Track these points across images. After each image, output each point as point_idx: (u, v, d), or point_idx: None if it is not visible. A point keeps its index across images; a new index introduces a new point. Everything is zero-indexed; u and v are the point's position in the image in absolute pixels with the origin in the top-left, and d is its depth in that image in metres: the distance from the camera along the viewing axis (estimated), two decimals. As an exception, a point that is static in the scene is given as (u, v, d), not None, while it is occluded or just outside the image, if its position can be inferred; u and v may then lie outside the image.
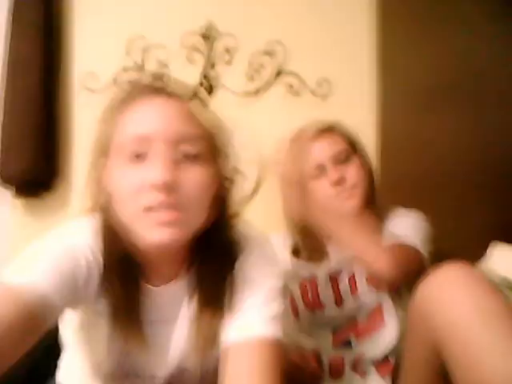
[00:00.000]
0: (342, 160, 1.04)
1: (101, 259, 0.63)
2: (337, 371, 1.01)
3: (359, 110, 1.53)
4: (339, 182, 1.02)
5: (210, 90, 1.54)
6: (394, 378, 0.96)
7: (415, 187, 1.31)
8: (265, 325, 0.64)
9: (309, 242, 1.08)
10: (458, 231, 1.20)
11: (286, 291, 0.78)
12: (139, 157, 0.59)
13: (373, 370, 1.01)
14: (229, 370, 0.62)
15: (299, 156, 1.05)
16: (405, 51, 1.45)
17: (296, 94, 1.54)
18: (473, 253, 1.03)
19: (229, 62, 1.54)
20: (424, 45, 1.37)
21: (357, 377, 1.00)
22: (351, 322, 1.05)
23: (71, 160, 1.49)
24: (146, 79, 0.74)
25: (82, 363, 0.76)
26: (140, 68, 1.51)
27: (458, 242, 1.07)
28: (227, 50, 1.54)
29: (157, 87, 0.65)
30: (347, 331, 1.05)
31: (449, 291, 0.68)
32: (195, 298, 0.67)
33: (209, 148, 0.64)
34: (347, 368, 1.01)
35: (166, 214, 0.57)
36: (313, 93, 1.55)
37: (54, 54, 1.44)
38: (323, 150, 1.04)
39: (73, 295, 0.61)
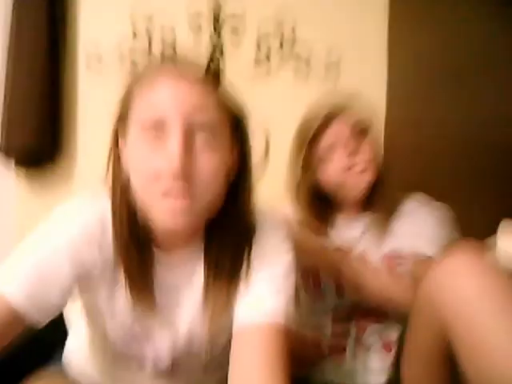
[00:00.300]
0: (356, 135, 1.02)
1: (111, 232, 0.66)
2: (338, 349, 1.02)
3: (368, 87, 1.49)
4: (355, 152, 1.00)
5: (218, 65, 1.50)
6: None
7: (423, 166, 1.29)
8: (277, 301, 0.65)
9: (313, 221, 1.07)
10: (467, 212, 1.19)
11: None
12: (157, 137, 0.59)
13: (377, 343, 1.01)
14: (238, 356, 0.63)
15: (309, 139, 1.03)
16: (415, 28, 1.41)
17: (305, 74, 1.51)
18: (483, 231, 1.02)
19: (236, 43, 1.50)
20: (434, 22, 1.33)
21: (360, 351, 1.00)
22: (352, 312, 1.04)
23: (75, 133, 1.48)
24: (158, 60, 0.71)
25: (87, 344, 0.77)
26: (146, 48, 1.48)
27: (467, 225, 1.06)
28: (234, 31, 1.50)
29: (182, 68, 0.63)
30: (347, 310, 1.04)
31: (457, 276, 0.69)
32: (208, 266, 0.68)
33: (227, 136, 0.65)
34: (350, 354, 1.01)
35: (181, 202, 0.58)
36: (322, 71, 1.52)
37: (59, 27, 1.42)
38: (337, 131, 1.02)
39: (85, 279, 0.65)
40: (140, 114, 0.61)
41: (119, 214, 0.65)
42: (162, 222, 0.61)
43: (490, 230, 1.05)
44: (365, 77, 1.51)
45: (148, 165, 0.59)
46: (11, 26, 1.36)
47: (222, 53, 1.50)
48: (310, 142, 1.03)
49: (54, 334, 0.86)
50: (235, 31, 1.50)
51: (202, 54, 1.48)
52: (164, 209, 0.59)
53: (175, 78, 0.61)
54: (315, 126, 1.02)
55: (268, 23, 1.51)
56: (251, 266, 0.67)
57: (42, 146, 1.39)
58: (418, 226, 0.99)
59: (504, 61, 1.20)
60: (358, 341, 1.02)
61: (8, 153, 1.39)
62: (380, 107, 1.43)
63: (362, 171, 1.00)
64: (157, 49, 1.49)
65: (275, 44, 1.52)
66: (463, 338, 0.67)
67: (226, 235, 0.68)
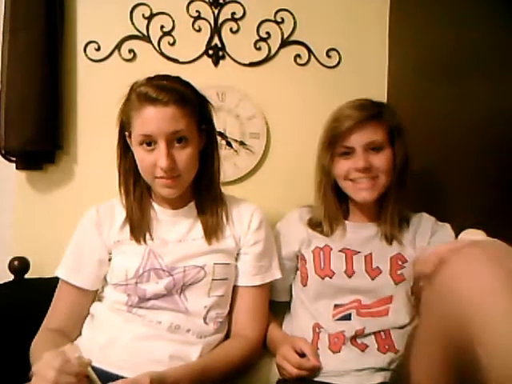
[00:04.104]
0: (374, 148, 1.07)
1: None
2: (336, 345, 1.04)
3: (368, 83, 1.52)
4: (363, 170, 1.06)
5: (217, 59, 1.51)
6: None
7: (424, 162, 1.29)
8: (267, 263, 1.12)
9: (330, 216, 1.14)
10: (468, 209, 1.18)
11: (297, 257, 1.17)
12: (150, 145, 0.98)
13: (373, 342, 1.03)
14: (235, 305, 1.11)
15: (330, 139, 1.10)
16: (416, 28, 1.41)
17: (304, 64, 1.53)
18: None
19: (236, 31, 1.51)
20: (435, 22, 1.32)
21: (355, 351, 1.02)
22: (355, 300, 1.07)
23: (75, 133, 1.47)
24: (151, 83, 0.97)
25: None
26: (144, 36, 1.48)
27: (468, 221, 1.06)
28: (234, 19, 1.50)
29: (158, 98, 0.94)
30: (349, 306, 1.07)
31: (476, 267, 0.63)
32: (199, 219, 1.09)
33: (194, 131, 1.01)
34: (348, 341, 1.03)
35: (169, 182, 0.99)
36: (321, 63, 1.54)
37: (57, 22, 1.39)
38: (359, 136, 1.06)
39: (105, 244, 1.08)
40: (137, 131, 0.99)
41: (130, 185, 1.08)
42: (160, 193, 1.04)
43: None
44: (365, 76, 1.53)
45: (146, 161, 0.99)
46: (7, 25, 1.34)
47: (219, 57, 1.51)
48: (331, 142, 1.09)
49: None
50: (234, 18, 1.50)
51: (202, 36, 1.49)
52: (160, 185, 1.01)
53: (156, 105, 0.95)
54: (341, 128, 1.06)
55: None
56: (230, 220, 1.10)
57: (42, 147, 1.37)
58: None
59: (505, 59, 1.18)
60: (358, 329, 1.03)
61: (8, 154, 1.38)
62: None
63: (364, 189, 1.07)
64: (156, 45, 1.48)
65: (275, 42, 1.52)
66: (484, 333, 0.58)
67: (207, 198, 1.09)
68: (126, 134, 1.03)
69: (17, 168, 1.42)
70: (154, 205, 1.10)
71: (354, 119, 1.05)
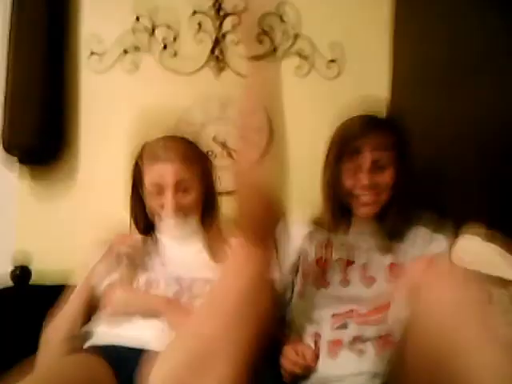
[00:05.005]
0: (378, 166, 1.08)
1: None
2: (334, 350, 1.04)
3: (371, 83, 1.51)
4: (366, 188, 1.07)
5: (221, 56, 1.52)
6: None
7: (426, 160, 1.28)
8: None
9: (329, 221, 1.15)
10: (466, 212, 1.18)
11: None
12: (158, 192, 1.12)
13: (370, 348, 1.02)
14: None
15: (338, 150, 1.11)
16: (420, 23, 1.40)
17: (307, 63, 1.53)
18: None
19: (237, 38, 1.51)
20: (440, 17, 1.33)
21: (352, 356, 1.02)
22: (351, 309, 1.07)
23: (77, 130, 1.48)
24: (162, 146, 1.14)
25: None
26: (148, 31, 1.50)
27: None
28: (238, 15, 1.51)
29: (166, 154, 1.12)
30: (345, 315, 1.07)
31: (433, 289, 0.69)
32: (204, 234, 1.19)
33: (197, 180, 1.15)
34: (345, 347, 1.03)
35: (176, 221, 1.13)
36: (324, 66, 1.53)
37: (60, 17, 1.44)
38: (364, 149, 1.07)
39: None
40: (147, 179, 1.13)
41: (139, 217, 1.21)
42: (164, 230, 1.17)
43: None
44: (368, 72, 1.52)
45: (155, 204, 1.14)
46: (11, 21, 1.36)
47: (222, 50, 1.52)
48: (339, 148, 1.11)
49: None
50: (236, 26, 1.51)
51: (203, 48, 1.51)
52: (167, 222, 1.15)
53: (164, 159, 1.11)
54: (349, 133, 1.09)
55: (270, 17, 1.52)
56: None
57: (45, 144, 1.39)
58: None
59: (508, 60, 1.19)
60: (356, 336, 1.03)
61: (11, 151, 1.39)
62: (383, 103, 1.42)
63: (365, 205, 1.09)
64: (159, 43, 1.51)
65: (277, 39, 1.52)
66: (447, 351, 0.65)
67: (209, 215, 1.20)
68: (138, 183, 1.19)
69: (20, 163, 1.44)
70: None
71: (362, 124, 1.08)
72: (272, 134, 1.48)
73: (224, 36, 1.52)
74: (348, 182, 1.10)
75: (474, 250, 1.02)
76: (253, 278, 0.77)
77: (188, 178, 1.13)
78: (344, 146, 1.09)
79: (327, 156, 1.15)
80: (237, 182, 0.85)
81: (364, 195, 1.08)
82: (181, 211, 1.12)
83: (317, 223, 1.18)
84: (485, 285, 0.93)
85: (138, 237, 1.19)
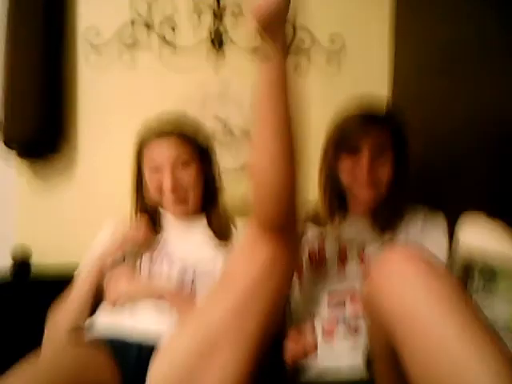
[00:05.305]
0: (376, 164, 1.08)
1: None
2: (329, 331, 1.04)
3: (371, 75, 1.52)
4: (365, 185, 1.08)
5: (220, 44, 1.51)
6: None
7: (427, 154, 1.29)
8: None
9: (326, 211, 1.15)
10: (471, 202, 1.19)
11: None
12: (157, 170, 1.12)
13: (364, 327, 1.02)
14: None
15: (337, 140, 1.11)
16: (420, 12, 1.41)
17: (306, 61, 1.52)
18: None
19: (238, 15, 1.50)
20: (441, 9, 1.33)
21: (347, 335, 1.02)
22: (349, 289, 1.08)
23: (76, 122, 1.48)
24: (160, 122, 1.15)
25: None
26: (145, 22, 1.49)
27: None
28: (236, 3, 1.50)
29: (164, 131, 1.13)
30: (343, 294, 1.08)
31: (395, 279, 0.67)
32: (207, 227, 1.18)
33: (196, 155, 1.15)
34: (340, 326, 1.03)
35: (176, 202, 1.13)
36: (325, 52, 1.53)
37: (57, 10, 1.43)
38: (363, 147, 1.07)
39: None
40: (146, 162, 1.14)
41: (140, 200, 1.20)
42: (168, 209, 1.17)
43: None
44: (368, 64, 1.53)
45: (154, 183, 1.13)
46: (8, 15, 1.35)
47: (221, 42, 1.51)
48: (337, 144, 1.11)
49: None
50: (236, 19, 1.51)
51: (202, 40, 1.50)
52: (168, 203, 1.14)
53: (162, 140, 1.12)
54: (348, 129, 1.09)
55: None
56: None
57: (44, 137, 1.39)
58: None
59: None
60: (350, 325, 1.03)
61: (10, 144, 1.38)
62: (383, 95, 1.45)
63: (363, 201, 1.10)
64: (157, 35, 1.49)
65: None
66: (408, 345, 0.63)
67: (213, 207, 1.19)
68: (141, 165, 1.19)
69: (19, 157, 1.43)
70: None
71: (361, 121, 1.08)
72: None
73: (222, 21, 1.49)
74: (346, 179, 1.11)
75: (481, 228, 1.02)
76: (264, 265, 0.75)
77: (186, 152, 1.13)
78: (342, 143, 1.10)
79: (325, 152, 1.15)
80: (253, 181, 0.79)
81: (362, 192, 1.09)
82: (181, 188, 1.12)
83: (309, 219, 1.18)
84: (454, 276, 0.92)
85: (144, 229, 1.16)
